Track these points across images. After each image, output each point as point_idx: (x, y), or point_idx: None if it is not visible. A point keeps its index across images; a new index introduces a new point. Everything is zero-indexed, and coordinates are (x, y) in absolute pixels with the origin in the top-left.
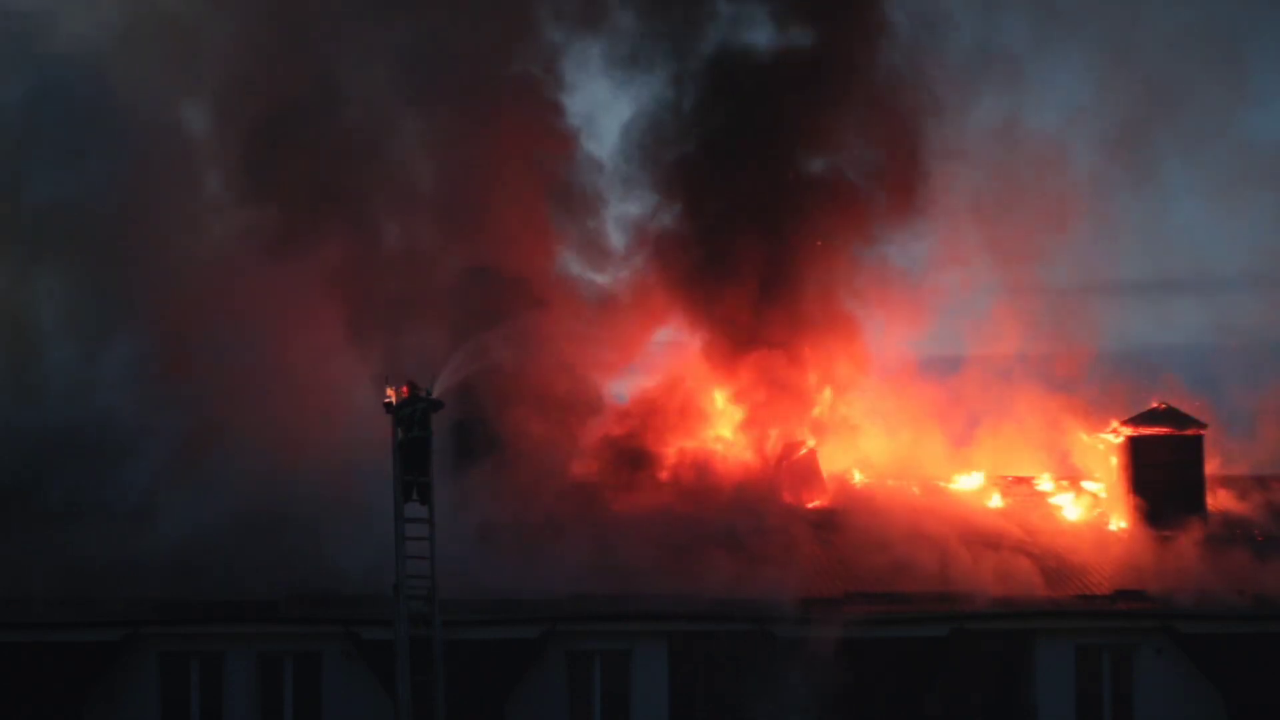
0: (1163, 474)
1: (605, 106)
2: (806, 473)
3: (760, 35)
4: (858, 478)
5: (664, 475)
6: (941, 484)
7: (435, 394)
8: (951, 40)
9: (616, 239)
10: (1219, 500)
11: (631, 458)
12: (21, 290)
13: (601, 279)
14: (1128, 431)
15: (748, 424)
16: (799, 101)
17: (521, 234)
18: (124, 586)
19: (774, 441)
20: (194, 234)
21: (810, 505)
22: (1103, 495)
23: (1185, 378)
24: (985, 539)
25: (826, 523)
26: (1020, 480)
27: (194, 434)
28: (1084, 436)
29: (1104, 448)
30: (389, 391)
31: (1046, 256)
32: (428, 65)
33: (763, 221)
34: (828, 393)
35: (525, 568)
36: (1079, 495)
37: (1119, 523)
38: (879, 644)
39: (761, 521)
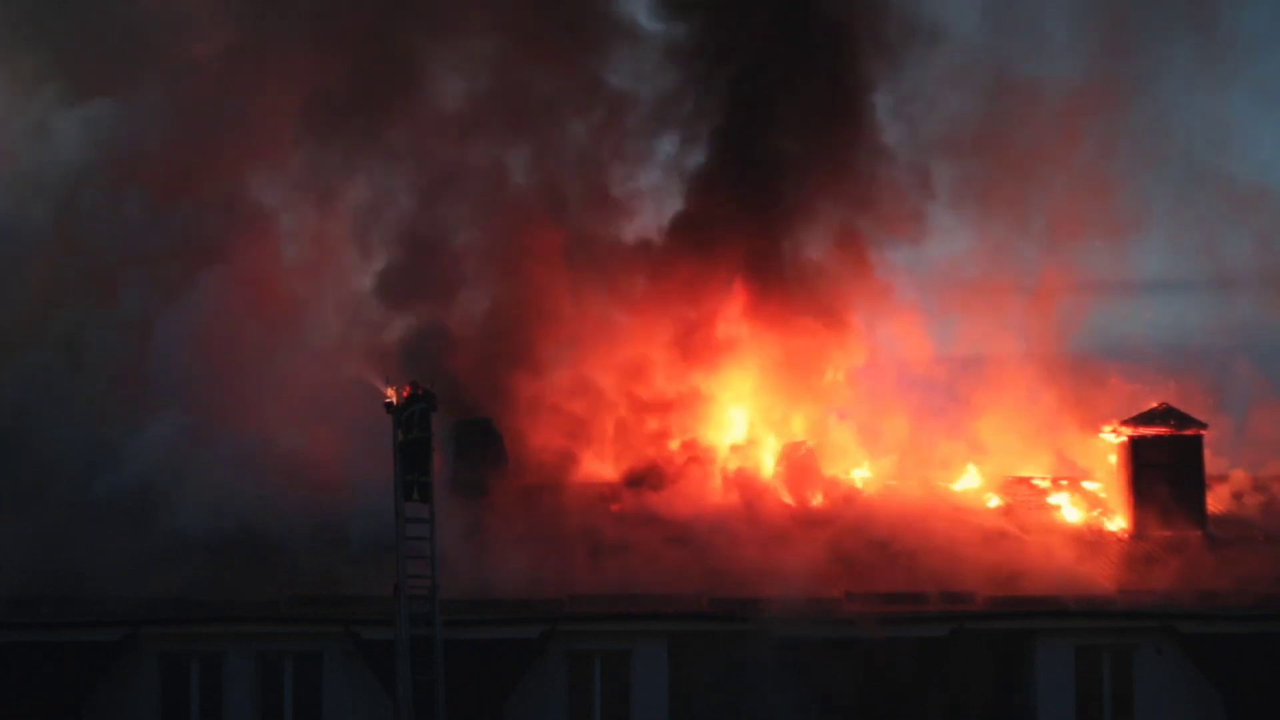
0: (1163, 474)
1: None
2: (806, 473)
3: None
4: (858, 478)
5: (667, 474)
6: (941, 484)
7: None
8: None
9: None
10: (1219, 500)
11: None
12: None
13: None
14: (1128, 431)
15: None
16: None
17: None
18: (124, 586)
19: (776, 441)
20: None
21: (810, 505)
22: (1103, 495)
23: (1185, 378)
24: (985, 539)
25: (826, 523)
26: (1020, 480)
27: (195, 429)
28: (1084, 436)
29: (1104, 448)
30: (389, 392)
31: (1047, 255)
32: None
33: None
34: (829, 392)
35: (525, 568)
36: (1079, 495)
37: (1119, 523)
38: (879, 644)
39: (761, 521)
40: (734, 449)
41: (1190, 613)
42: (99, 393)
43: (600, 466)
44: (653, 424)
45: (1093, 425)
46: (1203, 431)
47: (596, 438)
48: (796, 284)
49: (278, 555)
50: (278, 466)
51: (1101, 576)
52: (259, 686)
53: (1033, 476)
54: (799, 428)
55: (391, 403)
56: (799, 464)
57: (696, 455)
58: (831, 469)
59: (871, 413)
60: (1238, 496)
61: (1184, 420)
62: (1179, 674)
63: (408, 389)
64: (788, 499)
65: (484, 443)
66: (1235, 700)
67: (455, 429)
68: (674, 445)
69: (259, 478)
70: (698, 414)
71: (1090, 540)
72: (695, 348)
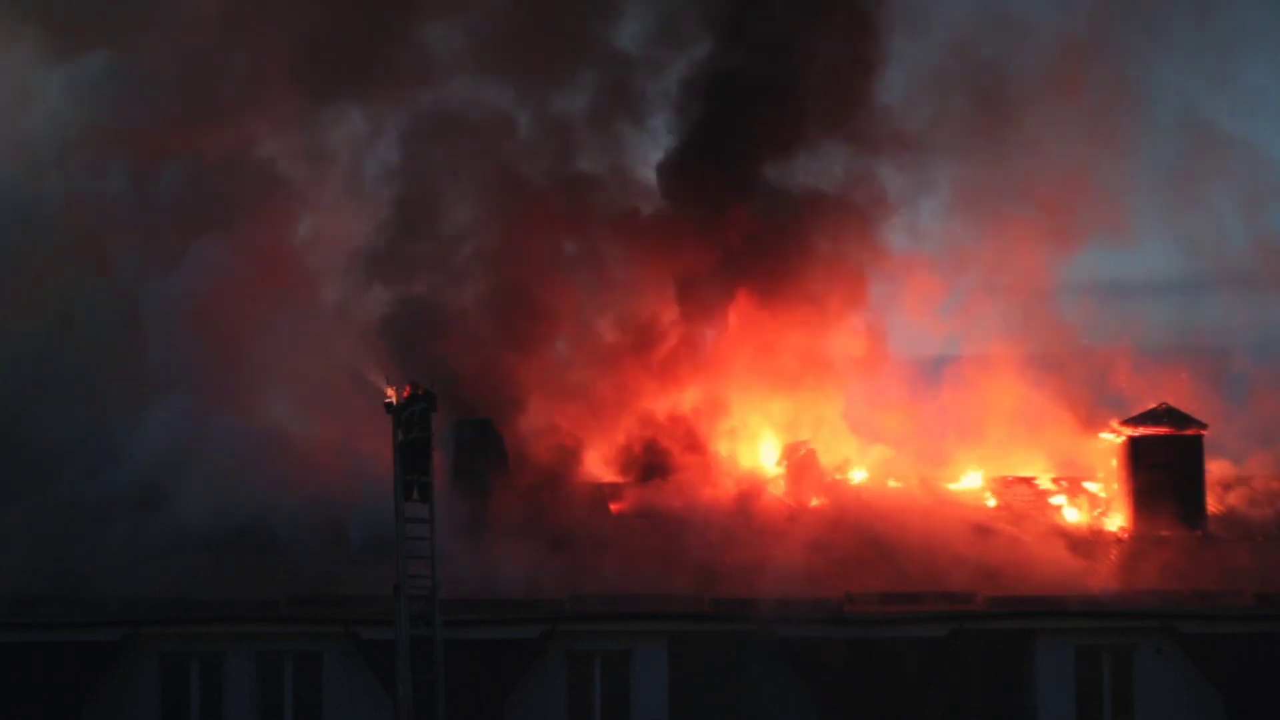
0: (1163, 474)
1: None
2: (807, 473)
3: None
4: (857, 478)
5: (666, 474)
6: (941, 484)
7: None
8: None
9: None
10: (1219, 500)
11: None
12: None
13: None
14: (1128, 431)
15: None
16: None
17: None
18: (124, 586)
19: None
20: None
21: (810, 505)
22: (1103, 495)
23: (1186, 377)
24: (985, 539)
25: (826, 523)
26: (1020, 480)
27: (196, 420)
28: (1084, 436)
29: (1104, 448)
30: (389, 391)
31: (1047, 255)
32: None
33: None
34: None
35: (525, 568)
36: (1079, 495)
37: (1119, 523)
38: (879, 644)
39: (761, 521)
40: (730, 432)
41: (1190, 613)
42: (95, 372)
43: (600, 465)
44: (651, 408)
45: (1093, 425)
46: (1203, 431)
47: (599, 430)
48: (796, 251)
49: (278, 554)
50: (279, 462)
51: (1101, 576)
52: (259, 686)
53: (1033, 476)
54: (800, 421)
55: (391, 403)
56: (800, 464)
57: (696, 445)
58: (831, 467)
59: (871, 409)
60: (1226, 486)
61: (1184, 420)
62: (1179, 674)
63: (408, 389)
64: (788, 499)
65: (484, 442)
66: (1235, 700)
67: (455, 429)
68: (674, 437)
69: (260, 475)
70: (697, 400)
71: (1090, 540)
72: (689, 324)
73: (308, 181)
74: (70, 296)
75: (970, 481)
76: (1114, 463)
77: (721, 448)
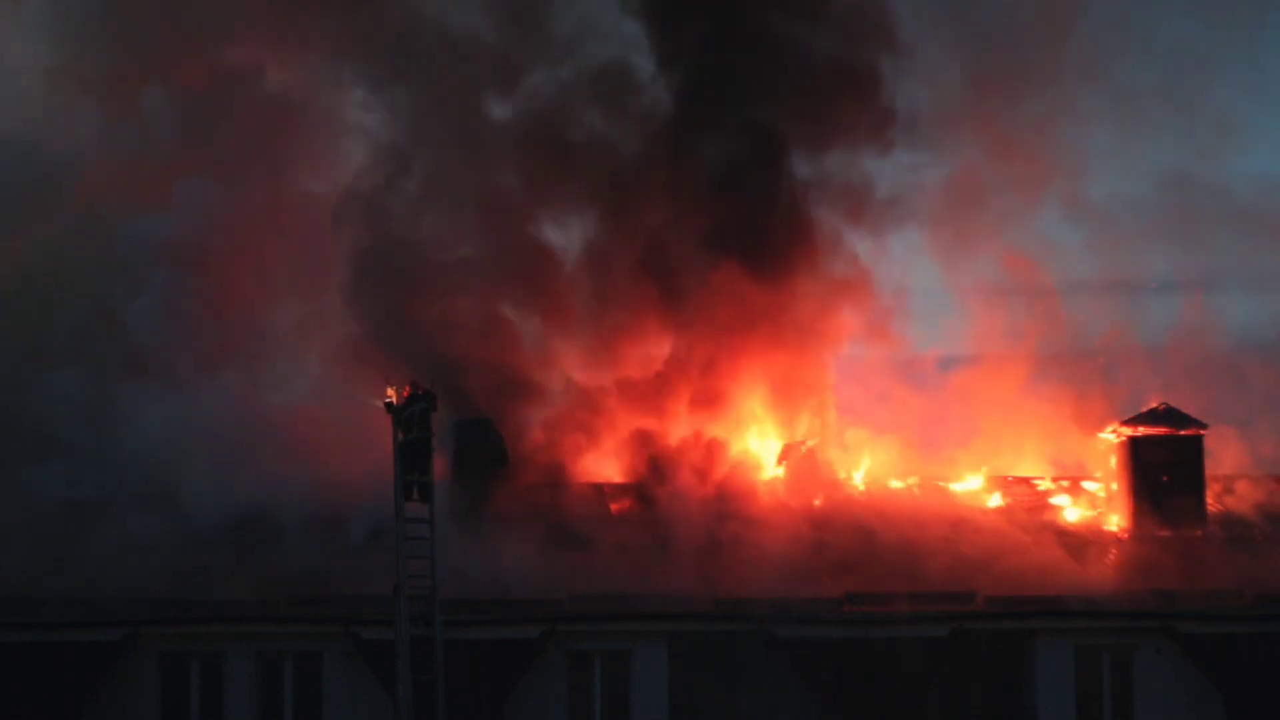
0: (1162, 474)
1: None
2: (806, 473)
3: None
4: (858, 478)
5: (667, 473)
6: (941, 484)
7: None
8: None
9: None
10: (1219, 500)
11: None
12: None
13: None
14: (1128, 431)
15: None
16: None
17: None
18: (124, 586)
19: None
20: None
21: (811, 505)
22: (1102, 495)
23: (1185, 377)
24: (985, 539)
25: (826, 523)
26: (1020, 480)
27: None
28: (1084, 436)
29: (1104, 448)
30: (389, 392)
31: (1046, 253)
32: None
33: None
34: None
35: (525, 568)
36: (1079, 495)
37: (1119, 523)
38: (879, 644)
39: (762, 521)
40: (733, 419)
41: (1190, 613)
42: (88, 334)
43: (601, 465)
44: (650, 416)
45: (1093, 425)
46: (1203, 431)
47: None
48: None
49: (279, 548)
50: (280, 450)
51: (1101, 576)
52: (259, 686)
53: (1033, 477)
54: (800, 421)
55: (391, 402)
56: (800, 464)
57: (700, 446)
58: (831, 467)
59: (870, 409)
60: (1238, 496)
61: (1184, 420)
62: (1179, 674)
63: (408, 388)
64: (788, 499)
65: (484, 442)
66: (1235, 700)
67: (455, 428)
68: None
69: (260, 464)
70: (697, 403)
71: (1090, 540)
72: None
73: (301, 119)
74: (59, 251)
75: (970, 481)
76: (1114, 463)
77: (720, 444)
